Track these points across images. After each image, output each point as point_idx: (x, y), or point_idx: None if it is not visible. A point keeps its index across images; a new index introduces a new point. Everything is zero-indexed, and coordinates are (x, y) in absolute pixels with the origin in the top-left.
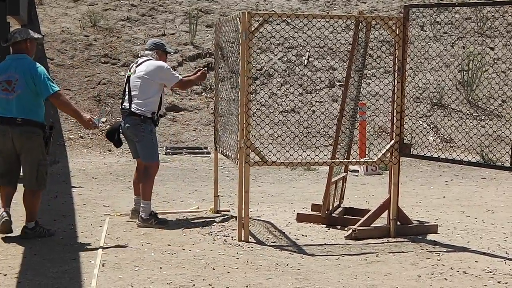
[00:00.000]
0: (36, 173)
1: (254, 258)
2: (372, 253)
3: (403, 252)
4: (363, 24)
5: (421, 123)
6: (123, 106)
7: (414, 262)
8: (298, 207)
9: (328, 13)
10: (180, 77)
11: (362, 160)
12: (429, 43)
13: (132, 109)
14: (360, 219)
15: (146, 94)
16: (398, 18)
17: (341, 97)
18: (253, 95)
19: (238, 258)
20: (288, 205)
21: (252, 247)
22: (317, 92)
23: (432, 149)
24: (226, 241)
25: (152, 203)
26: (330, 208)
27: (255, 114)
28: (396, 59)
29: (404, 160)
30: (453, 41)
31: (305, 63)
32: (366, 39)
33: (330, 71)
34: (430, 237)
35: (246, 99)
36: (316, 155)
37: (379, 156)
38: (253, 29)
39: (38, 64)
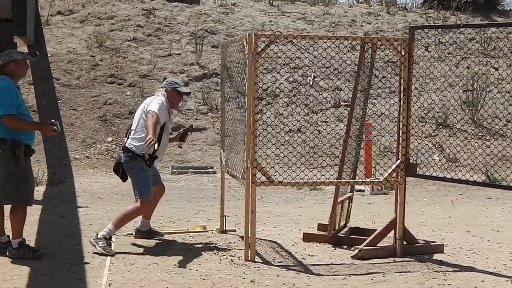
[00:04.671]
0: (2, 188)
1: (261, 278)
2: (379, 272)
3: (409, 271)
4: (368, 45)
5: (426, 143)
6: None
7: (421, 282)
8: (304, 227)
9: (333, 33)
10: (155, 111)
11: (368, 179)
12: (434, 64)
13: (126, 144)
14: (366, 239)
15: (141, 131)
16: (403, 39)
17: (347, 117)
18: (259, 115)
19: (244, 278)
20: (294, 225)
21: (258, 267)
22: (323, 112)
23: (438, 169)
24: (232, 261)
25: (157, 222)
26: (336, 228)
27: (261, 134)
28: (402, 79)
29: (409, 180)
30: (457, 62)
31: (311, 83)
32: (372, 60)
33: (336, 91)
34: (436, 256)
35: (253, 120)
36: (322, 175)
37: (385, 176)
38: (259, 50)
39: (6, 84)
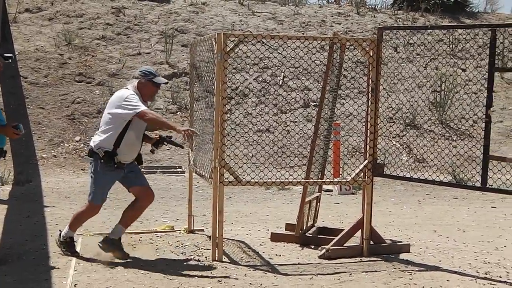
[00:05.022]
0: None
1: (228, 278)
2: (345, 272)
3: (376, 271)
4: (337, 45)
5: (394, 143)
6: None
7: (387, 281)
8: (272, 227)
9: (303, 34)
10: (142, 108)
11: (336, 179)
12: (402, 64)
13: (90, 143)
14: (334, 239)
15: (105, 129)
16: (372, 39)
17: (316, 117)
18: (228, 115)
19: (211, 278)
20: (262, 225)
21: (225, 267)
22: (292, 112)
23: (405, 169)
24: (199, 261)
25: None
26: (304, 228)
27: (229, 134)
28: (370, 80)
29: (377, 180)
30: (426, 63)
31: (280, 83)
32: (341, 60)
33: (305, 91)
34: (403, 256)
35: (221, 119)
36: (290, 175)
37: (352, 176)
38: (228, 49)
39: None
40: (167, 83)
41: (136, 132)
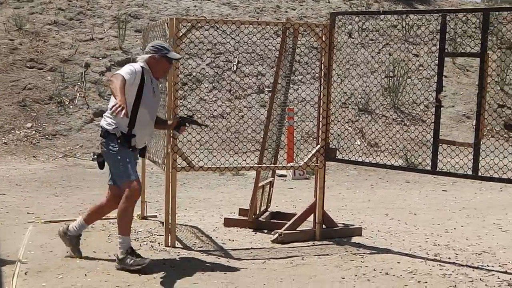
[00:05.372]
0: None
1: (181, 263)
2: (298, 256)
3: (328, 254)
4: (290, 31)
5: (348, 128)
6: None
7: (339, 264)
8: (225, 212)
9: (258, 19)
10: (122, 75)
11: (288, 164)
12: (356, 50)
13: (100, 123)
14: (287, 223)
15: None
16: (324, 25)
17: (269, 102)
18: (182, 101)
19: (164, 264)
20: (216, 210)
21: (178, 253)
22: (246, 97)
23: (358, 154)
24: (152, 247)
25: (77, 209)
26: (257, 213)
27: None
28: (322, 65)
29: (331, 165)
30: (379, 48)
31: (234, 69)
32: (294, 46)
33: (259, 77)
34: (355, 239)
35: (173, 105)
36: (244, 160)
37: (305, 161)
38: (180, 34)
39: None
40: (180, 59)
41: (149, 110)
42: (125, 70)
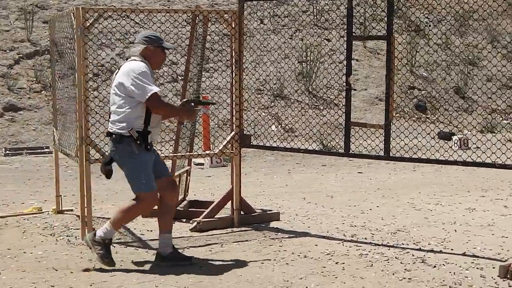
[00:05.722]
0: None
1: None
2: (217, 243)
3: (247, 240)
4: (200, 18)
5: (264, 114)
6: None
7: (258, 249)
8: None
9: (168, 7)
10: (154, 90)
11: (203, 152)
12: (268, 36)
13: (109, 129)
14: (204, 211)
15: (121, 106)
16: (233, 11)
17: (181, 91)
18: (96, 92)
19: (82, 258)
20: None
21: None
22: (159, 86)
23: (275, 139)
24: (69, 241)
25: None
26: None
27: (96, 112)
28: (233, 52)
29: (248, 151)
30: (292, 34)
31: None
32: (204, 33)
33: (172, 66)
34: (273, 224)
35: (84, 96)
36: (159, 150)
37: (220, 148)
38: (88, 24)
39: None
40: (174, 48)
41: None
42: (148, 80)
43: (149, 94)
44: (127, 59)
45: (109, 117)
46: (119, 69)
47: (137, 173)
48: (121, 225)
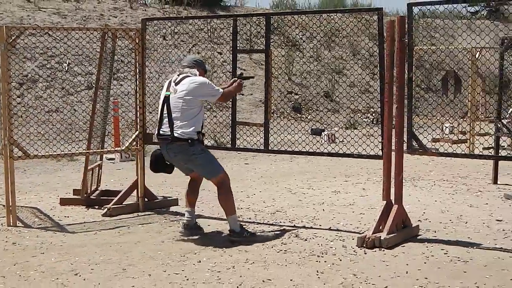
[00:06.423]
0: None
1: (22, 240)
2: (124, 226)
3: (150, 223)
4: (109, 35)
5: None
6: (161, 132)
7: (159, 230)
8: (62, 193)
9: (84, 26)
10: (221, 90)
11: (113, 149)
12: (170, 50)
13: (176, 135)
14: (114, 199)
15: (190, 115)
16: (137, 29)
17: (93, 97)
18: (20, 99)
19: (7, 242)
20: (53, 192)
21: (19, 231)
22: (78, 93)
23: None
24: None
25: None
26: (89, 192)
27: (22, 115)
28: (137, 63)
29: (152, 148)
30: (189, 48)
31: (66, 69)
32: (113, 48)
33: (88, 75)
34: (173, 209)
35: (8, 102)
36: (73, 147)
37: (126, 145)
38: (11, 40)
39: None
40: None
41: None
42: (212, 83)
43: (220, 92)
44: (178, 75)
45: (166, 123)
46: (176, 82)
47: (211, 162)
48: (234, 208)
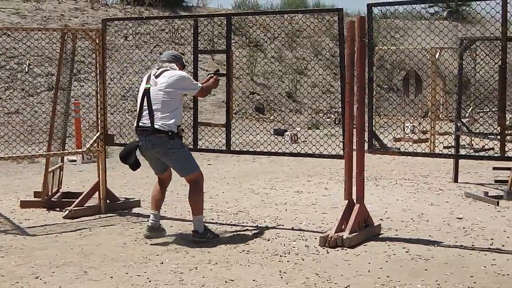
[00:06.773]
0: None
1: None
2: (86, 228)
3: (112, 224)
4: (68, 35)
5: (127, 117)
6: (141, 124)
7: (121, 232)
8: (22, 196)
9: (44, 26)
10: (200, 84)
11: (73, 151)
12: (131, 51)
13: (156, 126)
14: (75, 201)
15: (171, 107)
16: (97, 29)
17: (53, 99)
18: None
19: None
20: (14, 195)
21: None
22: (38, 94)
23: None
24: None
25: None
26: (50, 194)
27: None
28: (98, 64)
29: (115, 149)
30: (152, 48)
31: (26, 70)
32: (73, 48)
33: (49, 76)
34: (135, 210)
35: None
36: (37, 150)
37: (87, 146)
38: None
39: None
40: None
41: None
42: (192, 79)
43: (199, 86)
44: (158, 68)
45: (146, 115)
46: (156, 75)
47: (188, 159)
48: (202, 208)
